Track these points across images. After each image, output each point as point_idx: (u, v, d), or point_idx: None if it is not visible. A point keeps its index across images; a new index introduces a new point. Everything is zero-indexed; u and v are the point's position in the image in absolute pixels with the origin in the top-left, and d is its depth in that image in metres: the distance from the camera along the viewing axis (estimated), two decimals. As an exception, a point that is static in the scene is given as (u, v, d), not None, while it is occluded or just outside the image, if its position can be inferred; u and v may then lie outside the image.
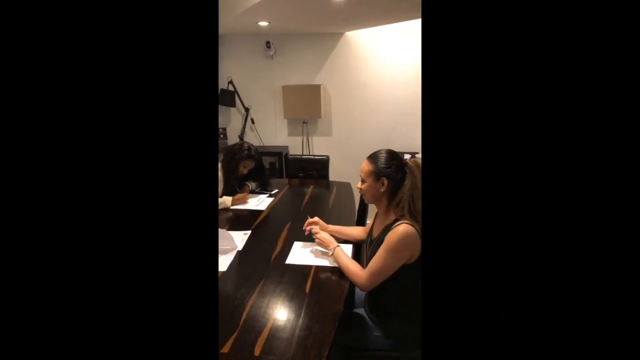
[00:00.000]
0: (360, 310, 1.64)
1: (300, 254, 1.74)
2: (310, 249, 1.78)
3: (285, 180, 3.25)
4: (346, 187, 2.91)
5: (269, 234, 2.01)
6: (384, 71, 3.97)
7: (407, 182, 1.45)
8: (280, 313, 1.31)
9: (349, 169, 3.64)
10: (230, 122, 4.41)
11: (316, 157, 3.32)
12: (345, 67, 4.04)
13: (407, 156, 3.03)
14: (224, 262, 1.66)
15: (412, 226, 1.39)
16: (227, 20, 3.22)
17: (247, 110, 4.23)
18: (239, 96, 4.20)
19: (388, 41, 3.87)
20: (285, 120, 4.30)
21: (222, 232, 1.77)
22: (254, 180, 2.73)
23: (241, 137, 4.22)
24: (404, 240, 1.37)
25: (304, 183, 3.08)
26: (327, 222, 1.87)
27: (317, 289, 1.46)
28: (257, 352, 1.11)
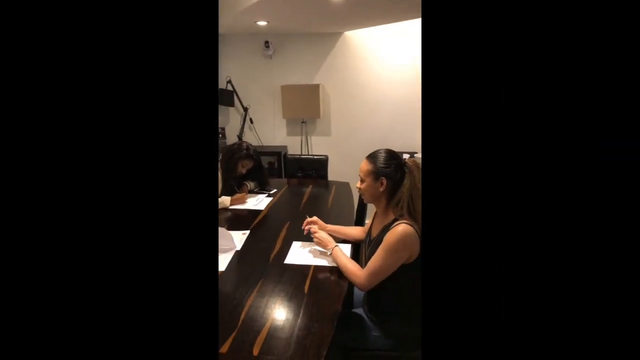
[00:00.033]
0: (359, 310, 1.63)
1: (299, 254, 1.74)
2: (309, 248, 1.78)
3: (284, 180, 3.25)
4: (345, 186, 2.91)
5: (268, 234, 2.01)
6: (382, 71, 3.97)
7: (406, 182, 1.45)
8: (279, 313, 1.31)
9: (347, 168, 3.64)
10: (228, 121, 4.41)
11: (315, 157, 3.31)
12: (344, 67, 4.04)
13: (405, 156, 3.03)
14: (223, 262, 1.66)
15: (411, 226, 1.39)
16: (226, 19, 3.21)
17: (245, 110, 4.22)
18: (237, 96, 4.20)
19: (387, 41, 3.87)
20: (284, 120, 4.30)
21: (222, 231, 1.77)
22: (252, 180, 2.72)
23: (240, 137, 4.21)
24: (402, 240, 1.37)
25: (303, 183, 3.08)
26: (326, 222, 1.87)
27: (316, 288, 1.46)
28: (255, 352, 1.11)
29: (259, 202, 2.53)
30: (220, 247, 1.74)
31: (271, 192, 2.72)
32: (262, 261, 1.69)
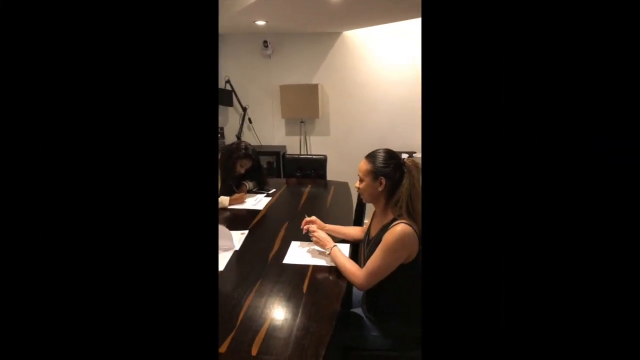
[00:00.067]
0: (358, 310, 1.63)
1: (297, 254, 1.74)
2: (307, 248, 1.78)
3: (282, 180, 3.25)
4: (344, 186, 2.91)
5: (267, 234, 2.01)
6: (381, 71, 3.97)
7: (405, 182, 1.45)
8: (278, 313, 1.31)
9: (346, 168, 3.64)
10: (227, 121, 4.40)
11: (314, 157, 3.31)
12: (343, 67, 4.04)
13: (404, 155, 3.04)
14: (222, 261, 1.66)
15: (410, 226, 1.39)
16: (225, 19, 3.21)
17: (244, 109, 4.22)
18: (236, 95, 4.19)
19: (386, 41, 3.87)
20: (283, 120, 4.30)
21: (222, 230, 1.76)
22: (251, 180, 2.72)
23: (239, 137, 4.21)
24: (401, 239, 1.37)
25: (302, 183, 3.08)
26: (325, 222, 1.87)
27: (315, 288, 1.46)
28: (254, 351, 1.11)
29: (257, 202, 2.52)
30: (219, 246, 1.74)
31: (270, 192, 2.72)
32: (260, 261, 1.68)
